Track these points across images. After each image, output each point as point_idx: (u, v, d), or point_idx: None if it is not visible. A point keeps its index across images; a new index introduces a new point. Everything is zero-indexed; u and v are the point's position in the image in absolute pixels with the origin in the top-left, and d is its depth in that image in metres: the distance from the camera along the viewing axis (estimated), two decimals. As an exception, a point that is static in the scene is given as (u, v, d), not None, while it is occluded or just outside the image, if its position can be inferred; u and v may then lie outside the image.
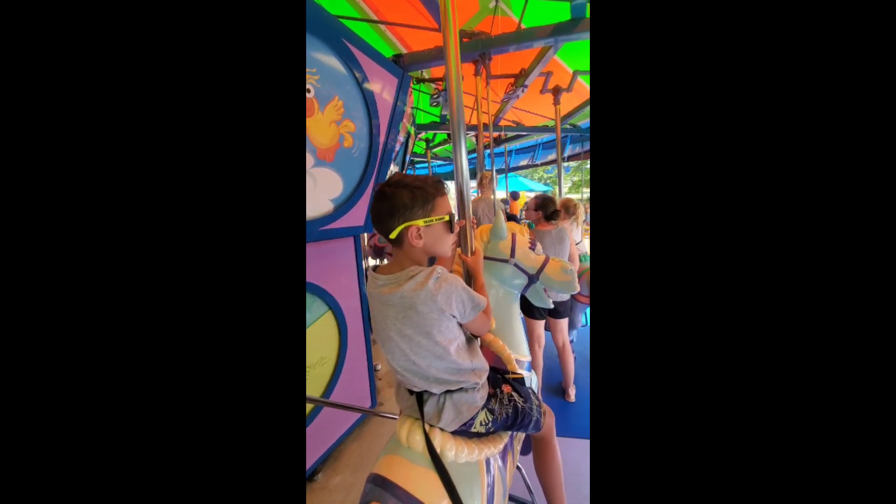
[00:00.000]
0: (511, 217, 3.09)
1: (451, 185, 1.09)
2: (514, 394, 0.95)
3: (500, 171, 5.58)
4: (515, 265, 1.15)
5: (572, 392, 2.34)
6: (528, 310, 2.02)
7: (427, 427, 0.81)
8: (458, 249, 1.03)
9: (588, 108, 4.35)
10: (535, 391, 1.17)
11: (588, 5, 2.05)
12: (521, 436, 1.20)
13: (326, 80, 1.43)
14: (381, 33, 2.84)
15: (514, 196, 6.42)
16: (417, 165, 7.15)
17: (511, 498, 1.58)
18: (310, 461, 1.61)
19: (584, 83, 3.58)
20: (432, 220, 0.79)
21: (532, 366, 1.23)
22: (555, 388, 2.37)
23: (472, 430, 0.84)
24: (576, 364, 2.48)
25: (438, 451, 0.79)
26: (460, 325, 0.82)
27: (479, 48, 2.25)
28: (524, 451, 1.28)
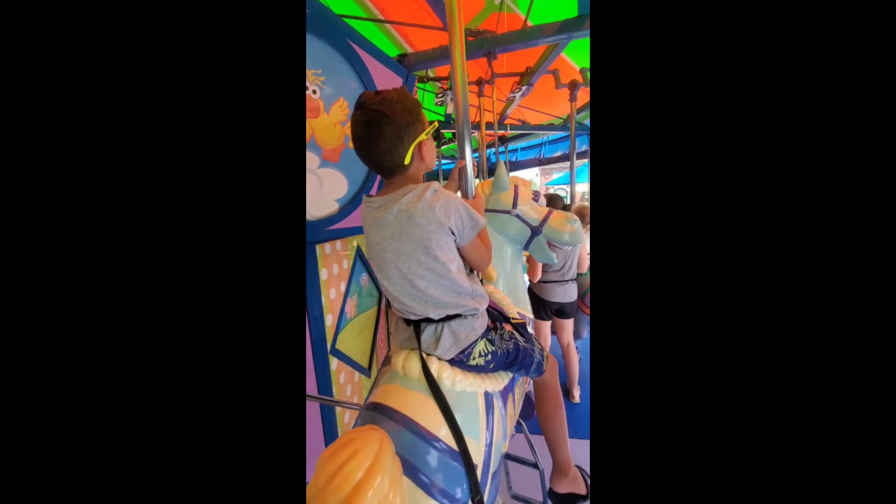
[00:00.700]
0: None
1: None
2: (514, 333, 0.92)
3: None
4: (517, 216, 1.10)
5: (577, 393, 2.34)
6: (535, 311, 2.02)
7: (424, 355, 0.79)
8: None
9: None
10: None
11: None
12: (525, 385, 1.14)
13: (332, 81, 1.44)
14: (387, 32, 2.84)
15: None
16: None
17: (517, 497, 1.57)
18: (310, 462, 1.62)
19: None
20: (429, 131, 0.74)
21: None
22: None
23: (471, 361, 0.81)
24: (580, 365, 2.47)
25: (435, 376, 0.77)
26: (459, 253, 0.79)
27: (484, 47, 2.24)
28: (525, 416, 1.22)
